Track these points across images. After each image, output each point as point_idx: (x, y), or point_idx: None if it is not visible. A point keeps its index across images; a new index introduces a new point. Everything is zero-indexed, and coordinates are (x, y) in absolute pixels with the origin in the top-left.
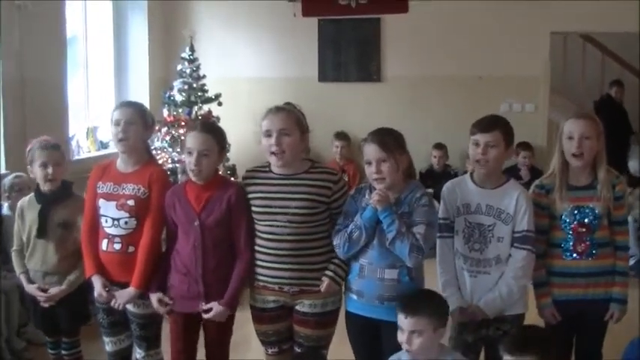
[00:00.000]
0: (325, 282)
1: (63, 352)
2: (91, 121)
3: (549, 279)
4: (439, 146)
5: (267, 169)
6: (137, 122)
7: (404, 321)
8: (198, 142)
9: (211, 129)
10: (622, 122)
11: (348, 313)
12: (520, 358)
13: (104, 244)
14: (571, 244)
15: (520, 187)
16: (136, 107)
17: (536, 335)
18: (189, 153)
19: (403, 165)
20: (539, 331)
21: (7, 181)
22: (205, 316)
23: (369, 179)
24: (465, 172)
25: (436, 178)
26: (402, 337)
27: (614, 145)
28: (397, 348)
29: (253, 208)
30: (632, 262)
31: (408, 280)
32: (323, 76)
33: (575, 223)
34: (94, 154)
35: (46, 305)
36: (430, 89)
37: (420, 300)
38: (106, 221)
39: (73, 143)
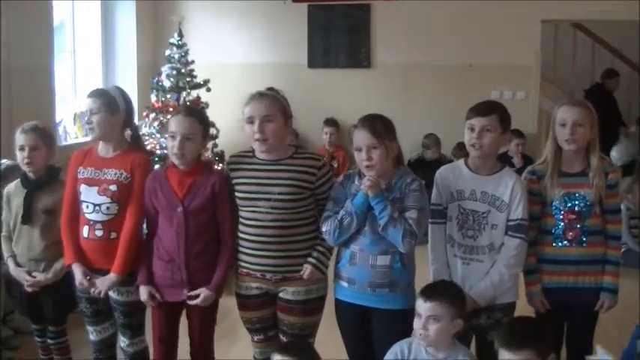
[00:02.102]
0: (308, 269)
1: (49, 340)
2: (78, 107)
3: (539, 266)
4: (435, 141)
5: (252, 154)
6: (101, 110)
7: (423, 305)
8: (183, 125)
9: (196, 113)
10: (612, 111)
11: (337, 301)
12: (518, 353)
13: (85, 231)
14: (561, 231)
15: (515, 174)
16: (99, 95)
17: (532, 328)
18: (173, 137)
19: (393, 152)
20: (535, 323)
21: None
22: (192, 302)
23: (359, 166)
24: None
25: (428, 167)
26: (418, 323)
27: (603, 134)
28: (388, 335)
29: (237, 194)
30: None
31: (400, 266)
32: (312, 62)
33: (565, 210)
34: (82, 139)
35: (29, 290)
36: (420, 76)
37: (441, 287)
38: (87, 207)
39: (60, 129)
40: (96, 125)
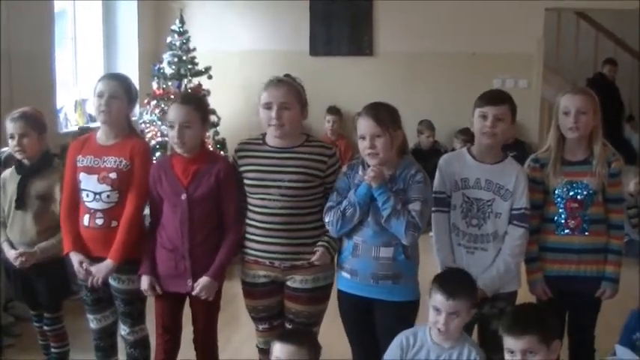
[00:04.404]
0: (320, 250)
1: (45, 327)
2: (79, 94)
3: (541, 254)
4: (429, 125)
5: (261, 141)
6: (120, 96)
7: (445, 303)
8: (180, 113)
9: (192, 100)
10: (614, 100)
11: (340, 292)
12: (521, 338)
13: (86, 220)
14: (563, 219)
15: (518, 164)
16: (121, 80)
17: (535, 315)
18: (171, 126)
19: (397, 141)
20: (538, 309)
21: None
22: (194, 292)
23: (362, 154)
24: (454, 149)
25: (425, 156)
26: (437, 317)
27: (605, 123)
28: (392, 327)
29: (246, 181)
30: None
31: (403, 258)
32: (314, 50)
33: (568, 198)
34: (82, 126)
35: (16, 264)
36: (423, 64)
37: (459, 281)
38: (87, 195)
39: (61, 116)
40: (114, 110)
